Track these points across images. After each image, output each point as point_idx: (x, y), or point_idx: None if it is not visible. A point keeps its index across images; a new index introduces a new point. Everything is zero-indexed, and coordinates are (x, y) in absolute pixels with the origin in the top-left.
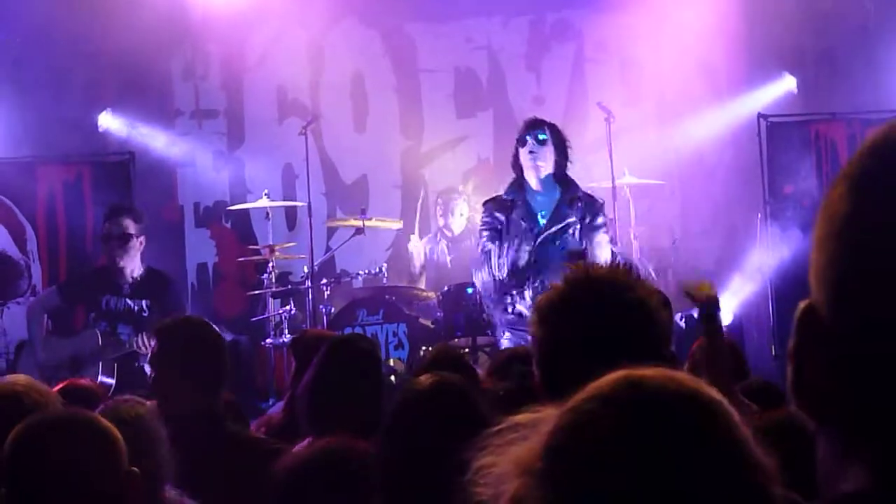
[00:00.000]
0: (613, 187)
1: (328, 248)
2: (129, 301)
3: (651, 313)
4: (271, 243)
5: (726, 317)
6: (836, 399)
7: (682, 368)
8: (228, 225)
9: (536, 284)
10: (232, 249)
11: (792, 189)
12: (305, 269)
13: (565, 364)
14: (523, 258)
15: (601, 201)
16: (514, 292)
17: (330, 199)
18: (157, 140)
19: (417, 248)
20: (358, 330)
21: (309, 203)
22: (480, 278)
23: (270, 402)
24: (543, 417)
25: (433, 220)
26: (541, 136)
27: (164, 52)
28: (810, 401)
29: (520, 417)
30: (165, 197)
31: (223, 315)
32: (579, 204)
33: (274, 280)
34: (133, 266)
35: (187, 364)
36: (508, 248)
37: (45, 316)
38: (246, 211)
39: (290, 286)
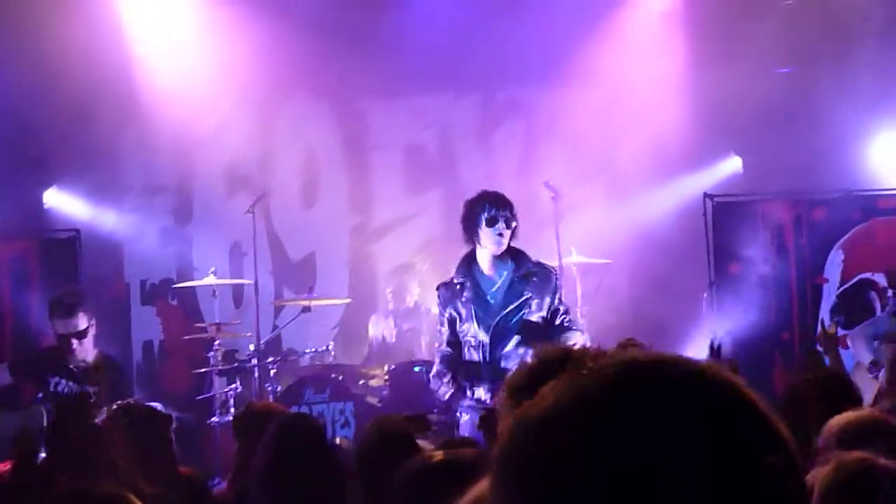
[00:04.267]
0: (560, 266)
1: (275, 326)
2: (78, 385)
3: None
4: (218, 321)
5: None
6: None
7: None
8: (175, 302)
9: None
10: (178, 327)
11: (738, 268)
12: (252, 347)
13: None
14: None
15: (554, 271)
16: (470, 381)
17: (277, 278)
18: (104, 216)
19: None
20: (304, 409)
21: (256, 281)
22: (435, 372)
23: (216, 481)
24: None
25: (381, 297)
26: (510, 218)
27: (114, 128)
28: None
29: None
30: (112, 274)
31: (169, 393)
32: (534, 279)
33: (220, 358)
34: (85, 351)
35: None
36: (462, 335)
37: None
38: (192, 288)
39: (236, 364)
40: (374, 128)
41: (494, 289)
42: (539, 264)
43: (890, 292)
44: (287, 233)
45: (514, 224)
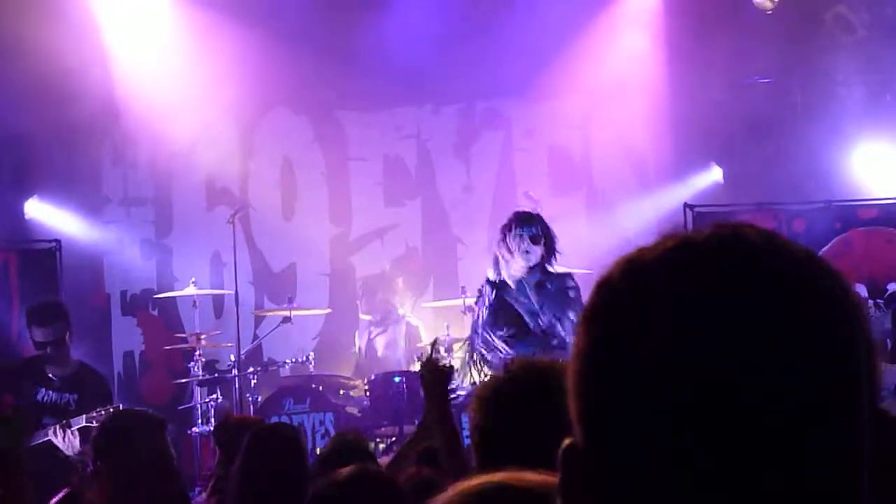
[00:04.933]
0: None
1: (255, 337)
2: (58, 394)
3: None
4: (198, 331)
5: None
6: None
7: None
8: (155, 313)
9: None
10: (159, 338)
11: None
12: (232, 358)
13: (501, 451)
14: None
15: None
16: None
17: (257, 288)
18: (85, 227)
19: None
20: (284, 419)
21: (236, 292)
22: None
23: (196, 491)
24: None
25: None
26: (537, 235)
27: (94, 139)
28: None
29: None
30: (92, 284)
31: (150, 403)
32: (548, 286)
33: (201, 368)
34: (64, 359)
35: None
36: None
37: None
38: (173, 299)
39: (216, 374)
40: (353, 139)
41: (524, 291)
42: (550, 273)
43: (871, 302)
44: (267, 243)
45: (541, 240)
